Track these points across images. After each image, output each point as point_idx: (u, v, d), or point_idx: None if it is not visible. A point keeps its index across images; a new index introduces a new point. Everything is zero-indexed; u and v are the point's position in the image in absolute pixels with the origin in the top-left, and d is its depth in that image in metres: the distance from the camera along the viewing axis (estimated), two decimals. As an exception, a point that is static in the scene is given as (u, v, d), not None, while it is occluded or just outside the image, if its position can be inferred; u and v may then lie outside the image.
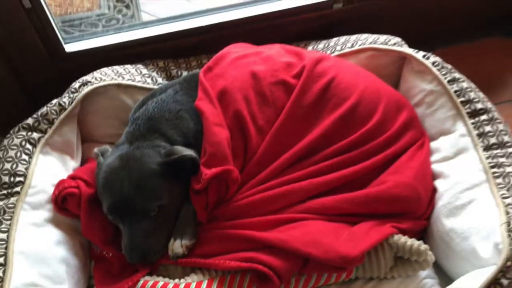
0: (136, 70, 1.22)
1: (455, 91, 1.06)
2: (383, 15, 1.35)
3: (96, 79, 1.16)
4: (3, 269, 0.89)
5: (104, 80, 1.16)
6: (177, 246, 0.97)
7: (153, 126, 1.02)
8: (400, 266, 0.95)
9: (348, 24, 1.31)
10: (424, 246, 0.92)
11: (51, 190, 1.03)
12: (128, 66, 1.22)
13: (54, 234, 0.99)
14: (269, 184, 1.01)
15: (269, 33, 1.31)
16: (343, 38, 1.24)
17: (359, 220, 0.98)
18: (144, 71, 1.23)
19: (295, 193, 0.99)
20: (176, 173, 0.98)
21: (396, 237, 0.94)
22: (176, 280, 0.95)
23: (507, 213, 0.88)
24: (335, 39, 1.25)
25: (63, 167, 1.10)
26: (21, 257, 0.92)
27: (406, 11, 1.37)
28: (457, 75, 1.08)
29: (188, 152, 0.98)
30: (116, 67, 1.21)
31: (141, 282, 0.95)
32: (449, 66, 1.10)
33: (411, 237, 0.96)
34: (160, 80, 1.24)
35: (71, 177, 1.05)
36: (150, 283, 0.94)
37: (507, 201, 0.90)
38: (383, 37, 1.19)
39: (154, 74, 1.24)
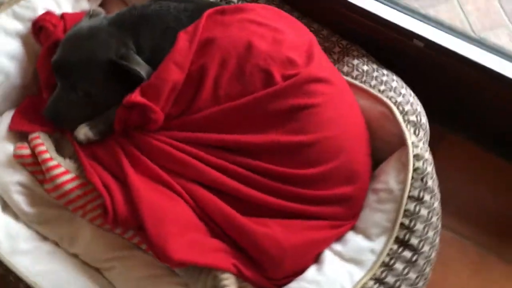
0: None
1: (406, 210, 0.91)
2: (453, 81, 1.13)
3: None
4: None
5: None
6: (82, 132, 1.01)
7: (136, 24, 1.01)
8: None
9: (412, 65, 1.11)
10: (233, 302, 0.87)
11: (40, 12, 1.09)
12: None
13: (15, 46, 1.08)
14: (184, 146, 0.97)
15: (337, 23, 1.17)
16: (389, 77, 1.07)
17: (221, 235, 0.94)
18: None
19: (192, 169, 0.95)
20: (121, 75, 0.99)
21: (226, 275, 0.90)
22: (56, 156, 1.00)
23: None
24: (383, 72, 1.08)
25: (72, 3, 1.15)
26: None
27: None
28: (426, 196, 0.91)
29: (141, 69, 0.98)
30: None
31: (35, 134, 1.02)
32: (430, 184, 0.92)
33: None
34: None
35: (61, 16, 1.10)
36: (37, 141, 1.00)
37: None
38: (415, 107, 1.01)
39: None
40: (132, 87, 0.98)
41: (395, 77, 1.08)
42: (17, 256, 0.97)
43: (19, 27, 1.08)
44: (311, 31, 1.15)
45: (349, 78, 1.08)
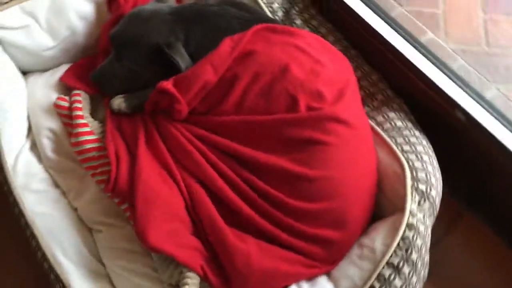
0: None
1: (380, 275, 0.88)
2: (485, 163, 1.08)
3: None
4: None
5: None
6: (116, 102, 1.08)
7: (191, 19, 1.07)
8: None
9: (449, 135, 1.07)
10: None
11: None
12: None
13: (88, 9, 1.18)
14: (197, 143, 1.01)
15: (387, 71, 1.16)
16: (419, 140, 1.04)
17: (202, 235, 0.97)
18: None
19: (198, 166, 0.98)
20: (164, 61, 1.05)
21: (192, 274, 0.92)
22: (88, 116, 1.08)
23: None
24: (414, 132, 1.06)
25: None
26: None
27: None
28: (406, 268, 0.88)
29: (182, 60, 1.03)
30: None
31: (78, 91, 1.11)
32: (413, 257, 0.89)
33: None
34: (276, 5, 1.23)
35: (138, -8, 1.19)
36: (77, 98, 1.10)
37: None
38: (430, 177, 0.97)
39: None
40: (172, 74, 1.04)
41: (424, 142, 1.05)
42: (27, 192, 1.06)
43: (99, -6, 1.18)
44: (361, 72, 1.16)
45: (378, 129, 1.07)
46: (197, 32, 1.07)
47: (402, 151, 1.02)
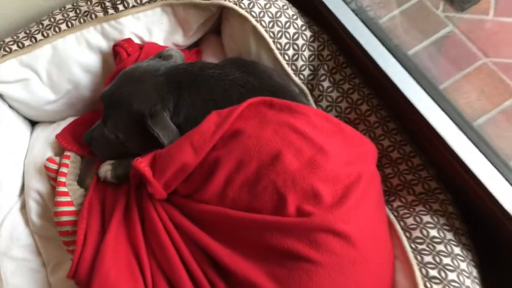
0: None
1: None
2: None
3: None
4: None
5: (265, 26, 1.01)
6: (104, 169, 0.97)
7: (184, 83, 0.92)
8: None
9: (502, 252, 0.79)
10: None
11: (126, 36, 1.06)
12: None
13: (92, 61, 1.07)
14: (173, 232, 0.85)
15: (434, 157, 0.89)
16: (455, 263, 0.77)
17: None
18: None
19: (167, 260, 0.82)
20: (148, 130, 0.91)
21: None
22: (72, 183, 0.98)
23: None
24: (451, 250, 0.78)
25: (165, 35, 1.09)
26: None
27: None
28: None
29: (165, 133, 0.89)
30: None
31: (68, 153, 1.01)
32: None
33: None
34: (301, 63, 1.01)
35: (141, 47, 1.05)
36: (65, 161, 1.00)
37: None
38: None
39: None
40: (159, 144, 0.90)
41: (463, 265, 0.77)
42: (6, 259, 0.98)
43: (103, 44, 1.06)
44: (398, 153, 0.92)
45: (403, 237, 0.82)
46: (187, 99, 0.91)
47: (426, 277, 0.76)
